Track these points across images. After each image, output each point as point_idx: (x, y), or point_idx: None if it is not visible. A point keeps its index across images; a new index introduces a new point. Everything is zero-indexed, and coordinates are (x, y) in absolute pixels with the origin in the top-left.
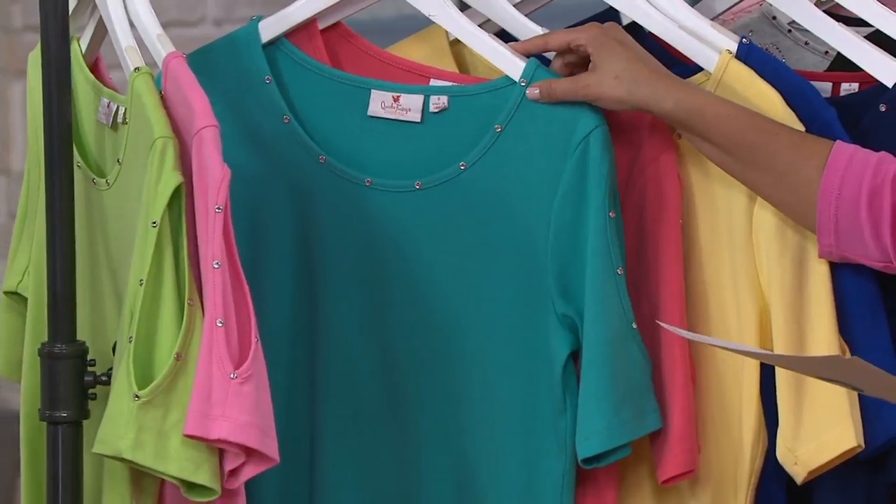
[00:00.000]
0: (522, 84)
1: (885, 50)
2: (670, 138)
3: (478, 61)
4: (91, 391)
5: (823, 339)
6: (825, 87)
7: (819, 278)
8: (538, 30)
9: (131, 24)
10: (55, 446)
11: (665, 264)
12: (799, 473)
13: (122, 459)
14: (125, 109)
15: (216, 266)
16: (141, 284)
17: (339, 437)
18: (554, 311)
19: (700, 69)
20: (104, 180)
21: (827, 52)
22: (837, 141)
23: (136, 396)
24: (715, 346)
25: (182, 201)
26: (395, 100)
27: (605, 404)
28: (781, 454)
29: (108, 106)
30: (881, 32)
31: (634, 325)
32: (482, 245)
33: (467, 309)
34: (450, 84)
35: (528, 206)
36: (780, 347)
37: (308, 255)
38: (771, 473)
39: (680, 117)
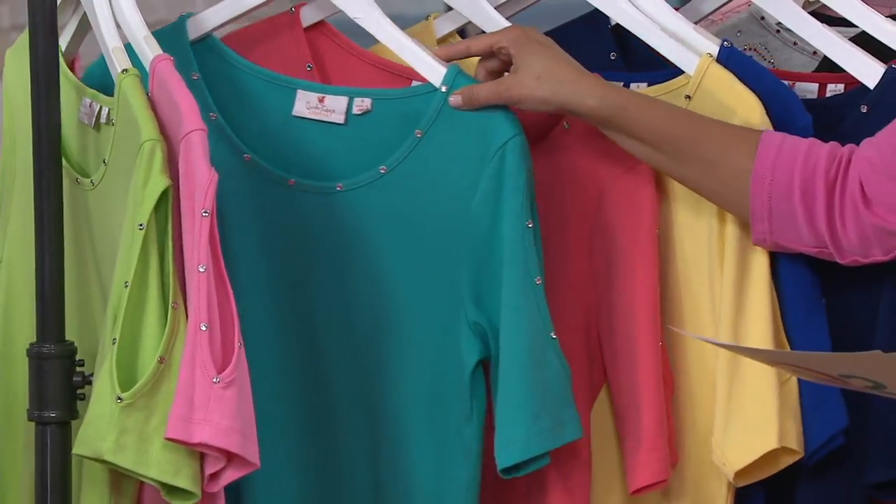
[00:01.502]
0: (443, 90)
1: (872, 51)
2: None
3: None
4: (80, 391)
5: (758, 334)
6: (812, 88)
7: (758, 276)
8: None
9: (117, 25)
10: (44, 446)
11: (639, 277)
12: (728, 474)
13: (103, 461)
14: (109, 110)
15: (201, 270)
16: (126, 286)
17: (265, 436)
18: (466, 318)
19: (681, 72)
20: (89, 180)
21: (815, 53)
22: (765, 129)
23: (119, 399)
24: (737, 352)
25: (169, 204)
26: (320, 101)
27: (524, 413)
28: (714, 454)
29: (90, 106)
30: (867, 33)
31: (553, 335)
32: (401, 249)
33: (384, 311)
34: (375, 88)
35: (447, 213)
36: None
37: (231, 253)
38: None
39: (604, 115)
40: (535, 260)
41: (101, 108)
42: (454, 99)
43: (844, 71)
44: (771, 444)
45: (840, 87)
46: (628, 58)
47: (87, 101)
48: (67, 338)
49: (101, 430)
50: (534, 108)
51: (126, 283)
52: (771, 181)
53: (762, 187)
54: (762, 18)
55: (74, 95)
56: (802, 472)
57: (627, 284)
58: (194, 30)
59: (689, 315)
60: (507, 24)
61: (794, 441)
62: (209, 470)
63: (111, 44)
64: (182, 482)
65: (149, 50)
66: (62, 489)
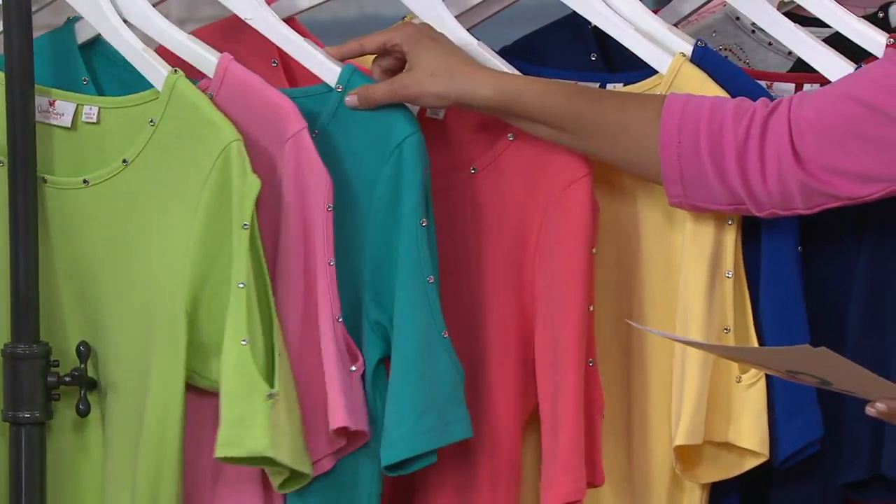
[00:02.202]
0: (339, 90)
1: (845, 51)
2: (584, 166)
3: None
4: (54, 392)
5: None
6: (788, 88)
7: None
8: (465, 36)
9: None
10: (18, 447)
11: (570, 298)
12: (679, 472)
13: (253, 460)
14: (100, 109)
15: (331, 264)
16: (242, 287)
17: None
18: (367, 317)
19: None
20: (78, 179)
21: (790, 53)
22: (670, 93)
23: (270, 396)
24: (691, 345)
25: (257, 203)
26: None
27: (409, 411)
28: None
29: (53, 105)
30: (840, 34)
31: (445, 335)
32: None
33: None
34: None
35: (346, 212)
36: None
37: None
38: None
39: (501, 104)
40: (427, 259)
41: (78, 107)
42: (350, 99)
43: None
44: (677, 440)
45: (816, 87)
46: (609, 59)
47: (45, 99)
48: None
49: (255, 429)
50: (430, 104)
51: (242, 283)
52: (678, 143)
53: (670, 150)
54: (737, 19)
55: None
56: (777, 472)
57: (557, 304)
58: (82, 33)
59: (650, 318)
60: (462, 31)
61: (755, 443)
62: (316, 456)
63: (137, 45)
64: (310, 469)
65: (153, 60)
66: (39, 489)
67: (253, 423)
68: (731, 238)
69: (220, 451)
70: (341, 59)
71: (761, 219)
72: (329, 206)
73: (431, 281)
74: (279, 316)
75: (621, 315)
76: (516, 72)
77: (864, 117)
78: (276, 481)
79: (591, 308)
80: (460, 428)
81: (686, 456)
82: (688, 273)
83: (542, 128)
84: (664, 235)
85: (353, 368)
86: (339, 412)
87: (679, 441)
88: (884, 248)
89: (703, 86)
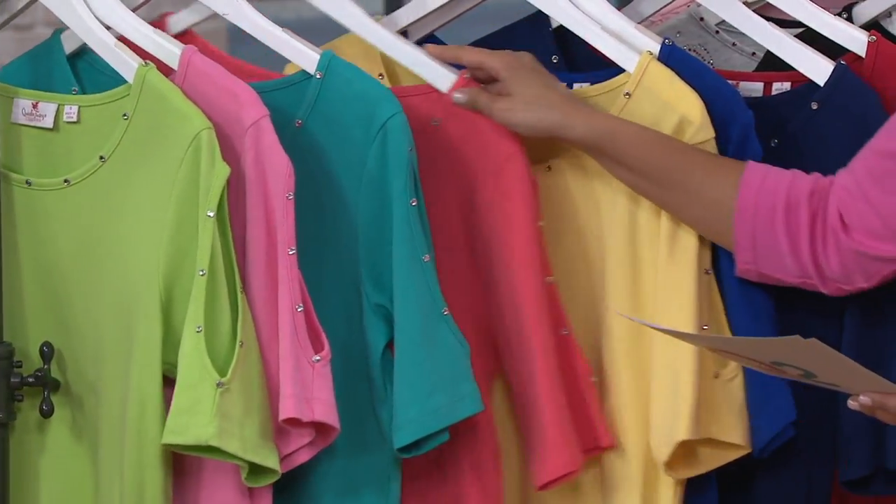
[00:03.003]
0: (318, 77)
1: (816, 48)
2: (514, 143)
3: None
4: (17, 392)
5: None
6: (756, 87)
7: (686, 265)
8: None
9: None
10: None
11: (521, 271)
12: (659, 465)
13: (200, 448)
14: (80, 108)
15: (291, 252)
16: (202, 275)
17: None
18: (368, 301)
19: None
20: (60, 180)
21: (754, 54)
22: (749, 161)
23: (220, 384)
24: (677, 337)
25: (227, 191)
26: None
27: (417, 392)
28: (651, 446)
29: (34, 107)
30: (811, 31)
31: (446, 312)
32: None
33: None
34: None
35: (337, 197)
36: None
37: None
38: None
39: (591, 143)
40: (421, 238)
41: (59, 107)
42: (459, 97)
43: (786, 70)
44: (680, 434)
45: (786, 86)
46: (570, 60)
47: (28, 102)
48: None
49: (202, 417)
50: (523, 132)
51: (202, 271)
52: (754, 213)
53: (746, 218)
54: (701, 19)
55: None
56: (762, 466)
57: (510, 279)
58: (70, 44)
59: (610, 301)
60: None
61: (737, 436)
62: (288, 449)
63: (108, 39)
64: (273, 463)
65: (124, 54)
66: (1, 489)
67: (199, 412)
68: None
69: (166, 438)
70: (439, 58)
71: None
72: (289, 195)
73: (427, 260)
74: (250, 306)
75: (588, 310)
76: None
77: (888, 169)
78: (242, 473)
79: (549, 279)
80: (470, 403)
81: (672, 453)
82: (674, 270)
83: (625, 171)
84: (633, 226)
85: (317, 358)
86: (287, 403)
87: (683, 436)
88: None
89: (672, 83)
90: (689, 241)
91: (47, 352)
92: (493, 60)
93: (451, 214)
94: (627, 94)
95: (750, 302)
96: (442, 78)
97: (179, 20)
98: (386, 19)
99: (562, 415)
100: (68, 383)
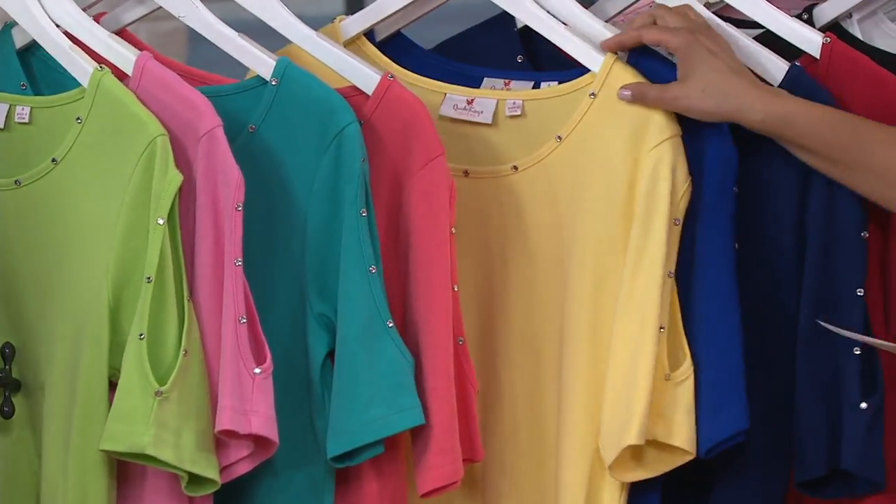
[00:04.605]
0: (274, 83)
1: (777, 49)
2: (438, 146)
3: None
4: None
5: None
6: None
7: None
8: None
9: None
10: None
11: (433, 277)
12: (610, 471)
13: (136, 456)
14: (32, 109)
15: (238, 264)
16: (149, 281)
17: None
18: (311, 310)
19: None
20: (12, 181)
21: None
22: None
23: (158, 393)
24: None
25: (178, 199)
26: None
27: (354, 402)
28: (600, 448)
29: None
30: (771, 33)
31: (390, 324)
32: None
33: None
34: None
35: (287, 204)
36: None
37: None
38: None
39: (771, 128)
40: (369, 248)
41: (11, 108)
42: (623, 93)
43: None
44: (630, 439)
45: None
46: (535, 60)
47: None
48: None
49: (138, 425)
50: (700, 118)
51: (149, 278)
52: None
53: None
54: None
55: None
56: (716, 467)
57: (422, 285)
58: (20, 38)
59: (572, 304)
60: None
61: (684, 441)
62: (228, 460)
63: (63, 42)
64: (212, 473)
65: (79, 58)
66: None
67: (136, 419)
68: (676, 238)
69: (103, 444)
70: (619, 48)
71: (700, 216)
72: (238, 206)
73: (374, 271)
74: (196, 315)
75: (548, 310)
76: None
77: None
78: (182, 482)
79: (456, 287)
80: (410, 416)
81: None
82: (641, 276)
83: (806, 154)
84: (598, 232)
85: (258, 370)
86: (224, 415)
87: (632, 440)
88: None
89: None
90: (657, 249)
91: (8, 353)
92: (672, 40)
93: (377, 216)
94: (593, 94)
95: (718, 305)
96: (366, 79)
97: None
98: (345, 23)
99: (452, 424)
100: (28, 384)
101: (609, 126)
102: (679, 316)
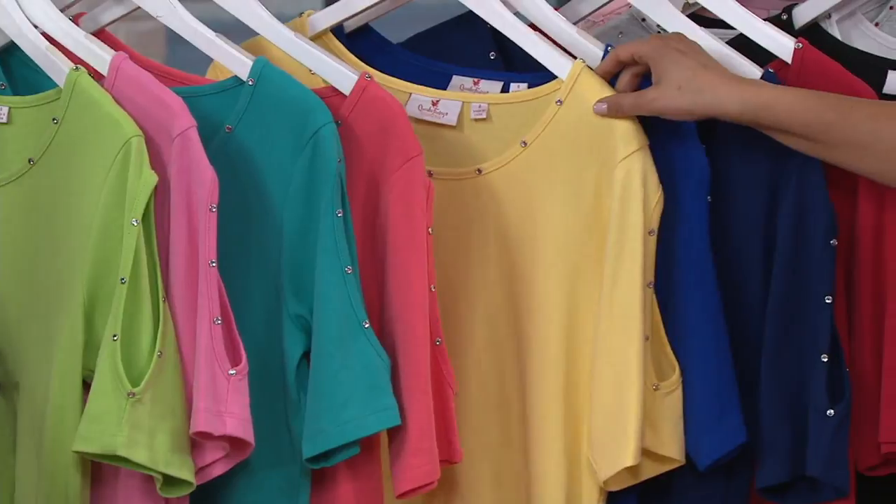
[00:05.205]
0: (250, 83)
1: (750, 52)
2: (415, 146)
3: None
4: None
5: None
6: None
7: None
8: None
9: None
10: None
11: (412, 276)
12: (599, 479)
13: (109, 457)
14: (10, 109)
15: (212, 265)
16: (123, 283)
17: None
18: (287, 311)
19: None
20: None
21: None
22: None
23: (131, 394)
24: None
25: (153, 199)
26: None
27: (329, 403)
28: (591, 456)
29: None
30: (744, 36)
31: (366, 325)
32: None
33: None
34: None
35: (263, 204)
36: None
37: None
38: None
39: (750, 117)
40: (345, 249)
41: None
42: (598, 107)
43: None
44: (627, 460)
45: None
46: (507, 56)
47: None
48: None
49: (111, 426)
50: (678, 118)
51: (123, 279)
52: None
53: None
54: (643, 20)
55: None
56: (678, 471)
57: (397, 284)
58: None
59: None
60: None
61: (674, 450)
62: (204, 461)
63: (40, 43)
64: (187, 475)
65: (56, 58)
66: None
67: (109, 420)
68: (652, 249)
69: (76, 445)
70: (605, 75)
71: (677, 226)
72: (212, 207)
73: (350, 271)
74: (172, 316)
75: (518, 313)
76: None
77: None
78: (157, 484)
79: (433, 288)
80: (385, 417)
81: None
82: (621, 286)
83: (790, 138)
84: (569, 238)
85: (233, 371)
86: (199, 416)
87: (630, 462)
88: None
89: (603, 92)
90: (634, 261)
91: None
92: (640, 49)
93: (354, 217)
94: (559, 101)
95: (705, 315)
96: (344, 79)
97: (94, 17)
98: (313, 18)
99: (429, 425)
100: (7, 384)
101: (575, 134)
102: (661, 326)
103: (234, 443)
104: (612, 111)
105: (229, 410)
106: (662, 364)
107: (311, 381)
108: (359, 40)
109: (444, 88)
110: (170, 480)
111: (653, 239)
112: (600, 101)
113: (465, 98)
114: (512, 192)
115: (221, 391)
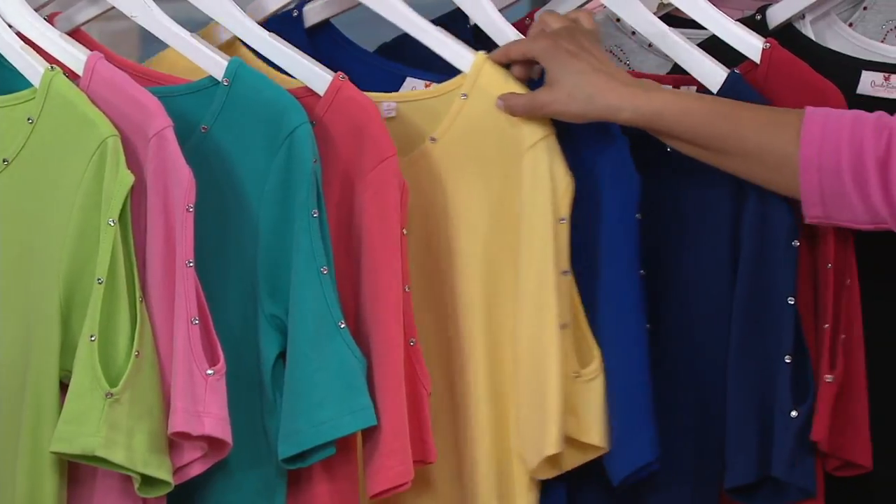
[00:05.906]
0: (225, 83)
1: (722, 54)
2: (390, 147)
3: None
4: None
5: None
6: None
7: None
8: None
9: None
10: None
11: (385, 276)
12: (526, 468)
13: (87, 458)
14: None
15: (189, 265)
16: (100, 283)
17: None
18: (263, 311)
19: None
20: None
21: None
22: (807, 108)
23: (109, 395)
24: None
25: (130, 200)
26: None
27: (305, 404)
28: (518, 446)
29: None
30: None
31: (342, 325)
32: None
33: None
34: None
35: (240, 205)
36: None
37: None
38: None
39: (643, 124)
40: (321, 249)
41: None
42: (498, 103)
43: None
44: (549, 448)
45: (692, 89)
46: None
47: None
48: None
49: (89, 427)
50: (573, 121)
51: (100, 279)
52: (819, 166)
53: (811, 172)
54: (618, 20)
55: None
56: (649, 477)
57: (373, 286)
58: None
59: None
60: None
61: (596, 438)
62: (182, 461)
63: (14, 42)
64: (165, 475)
65: (30, 58)
66: None
67: (87, 421)
68: (565, 236)
69: (54, 446)
70: (507, 61)
71: (601, 218)
72: (189, 207)
73: (325, 272)
74: (150, 317)
75: (439, 309)
76: None
77: None
78: (135, 484)
79: (407, 288)
80: (361, 417)
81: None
82: (532, 273)
83: (682, 144)
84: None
85: (211, 371)
86: (176, 417)
87: (553, 450)
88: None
89: (507, 83)
90: (544, 249)
91: None
92: (533, 48)
93: (329, 217)
94: (464, 95)
95: (619, 297)
96: (317, 79)
97: (69, 17)
98: (252, 6)
99: (402, 425)
100: None
101: (482, 127)
102: (582, 314)
103: (212, 443)
104: (508, 110)
105: (207, 410)
106: (585, 353)
107: (286, 381)
108: (317, 36)
109: (397, 89)
110: (148, 480)
111: (564, 226)
112: (500, 97)
113: (375, 98)
114: (426, 188)
115: (199, 391)
